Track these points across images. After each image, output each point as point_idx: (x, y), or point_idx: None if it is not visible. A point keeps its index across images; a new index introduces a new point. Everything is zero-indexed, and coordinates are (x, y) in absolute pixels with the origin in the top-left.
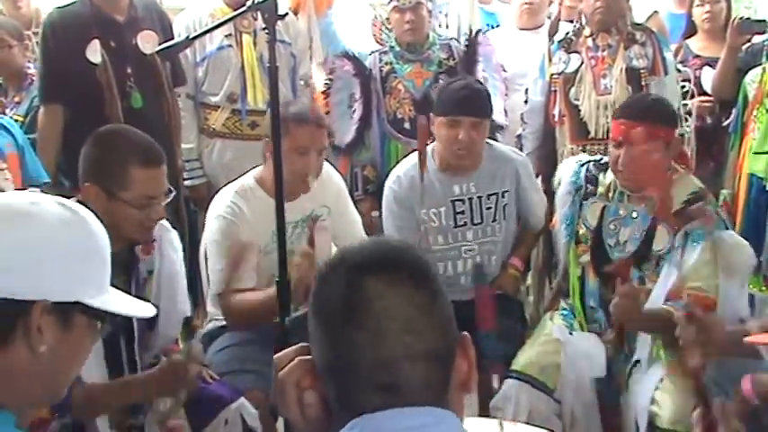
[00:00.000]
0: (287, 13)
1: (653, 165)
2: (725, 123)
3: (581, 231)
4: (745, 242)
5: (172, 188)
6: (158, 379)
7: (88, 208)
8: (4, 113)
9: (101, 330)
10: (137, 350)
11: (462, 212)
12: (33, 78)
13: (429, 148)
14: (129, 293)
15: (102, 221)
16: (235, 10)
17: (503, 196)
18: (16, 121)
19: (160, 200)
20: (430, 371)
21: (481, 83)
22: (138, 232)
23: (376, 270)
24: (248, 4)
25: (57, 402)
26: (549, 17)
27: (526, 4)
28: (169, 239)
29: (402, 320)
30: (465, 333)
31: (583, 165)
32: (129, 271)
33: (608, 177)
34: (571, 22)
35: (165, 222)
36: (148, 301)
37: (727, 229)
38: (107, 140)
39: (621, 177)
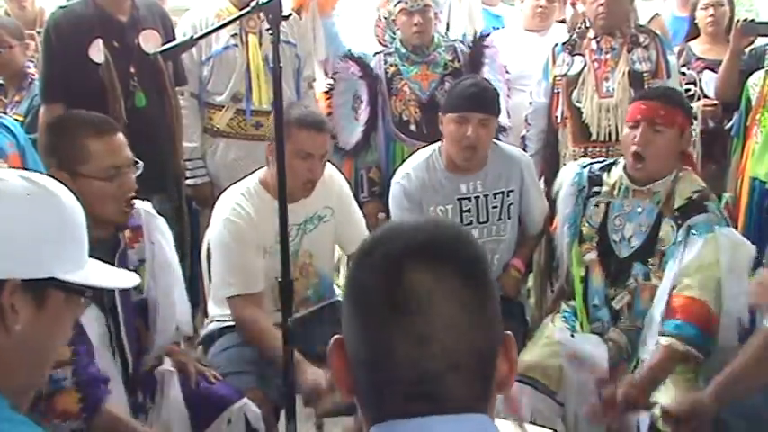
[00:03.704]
0: (291, 14)
1: (667, 147)
2: (727, 126)
3: (585, 230)
4: (745, 240)
5: (138, 160)
6: None
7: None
8: (5, 113)
9: (84, 304)
10: (126, 344)
11: (468, 211)
12: (33, 78)
13: (436, 147)
14: None
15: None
16: (241, 10)
17: (508, 195)
18: (16, 120)
19: (126, 171)
20: (473, 379)
21: (490, 81)
22: (113, 210)
23: (420, 260)
24: (252, 4)
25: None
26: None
27: (540, 7)
28: (156, 225)
29: (448, 321)
30: (509, 333)
31: (585, 167)
32: (115, 258)
33: (612, 176)
34: (563, 22)
35: (149, 209)
36: (141, 291)
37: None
38: (57, 125)
39: (632, 163)
